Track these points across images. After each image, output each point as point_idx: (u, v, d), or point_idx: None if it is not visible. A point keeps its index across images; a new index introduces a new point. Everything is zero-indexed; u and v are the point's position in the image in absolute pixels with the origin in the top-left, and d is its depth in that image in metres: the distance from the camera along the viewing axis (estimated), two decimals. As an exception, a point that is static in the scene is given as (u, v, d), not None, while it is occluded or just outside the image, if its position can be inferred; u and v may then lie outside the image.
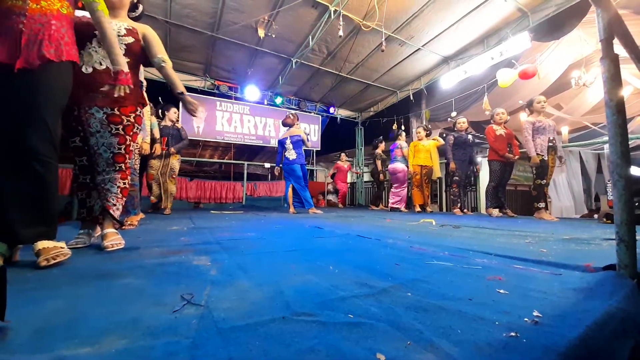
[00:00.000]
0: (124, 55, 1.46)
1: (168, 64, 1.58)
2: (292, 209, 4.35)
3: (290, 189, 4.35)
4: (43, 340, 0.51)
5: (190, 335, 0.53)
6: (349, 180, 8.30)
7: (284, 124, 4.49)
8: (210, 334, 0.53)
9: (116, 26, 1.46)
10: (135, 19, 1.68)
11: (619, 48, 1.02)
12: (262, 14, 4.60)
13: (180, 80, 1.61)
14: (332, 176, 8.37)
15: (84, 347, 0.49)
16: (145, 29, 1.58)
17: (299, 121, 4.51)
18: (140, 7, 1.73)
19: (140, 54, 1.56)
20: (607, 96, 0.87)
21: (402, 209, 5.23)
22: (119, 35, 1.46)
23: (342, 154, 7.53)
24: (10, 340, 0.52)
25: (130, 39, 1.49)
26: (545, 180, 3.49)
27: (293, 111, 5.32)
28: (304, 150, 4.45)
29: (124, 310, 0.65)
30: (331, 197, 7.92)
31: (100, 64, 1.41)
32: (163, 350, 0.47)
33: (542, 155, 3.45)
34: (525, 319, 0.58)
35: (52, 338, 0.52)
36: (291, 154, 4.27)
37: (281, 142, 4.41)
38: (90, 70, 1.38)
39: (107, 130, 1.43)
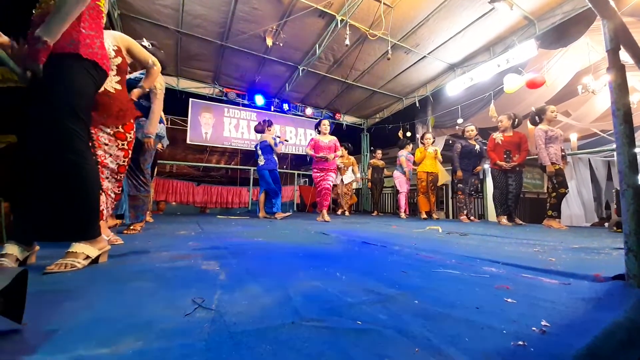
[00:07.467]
0: (115, 75, 1.53)
1: (157, 66, 1.72)
2: (262, 213, 4.43)
3: (262, 194, 4.44)
4: (61, 341, 0.53)
5: (203, 338, 0.54)
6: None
7: (256, 130, 4.62)
8: (222, 338, 0.54)
9: (106, 45, 1.48)
10: None
11: (625, 55, 1.03)
12: (270, 24, 4.70)
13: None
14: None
15: (102, 348, 0.50)
16: (123, 41, 1.59)
17: (271, 126, 4.49)
18: None
19: (126, 69, 1.62)
20: (614, 106, 0.88)
21: (401, 215, 5.26)
22: (109, 57, 1.46)
23: (324, 120, 4.31)
24: (29, 340, 0.54)
25: (119, 59, 1.56)
26: (568, 190, 3.45)
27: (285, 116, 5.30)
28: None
29: (138, 312, 0.67)
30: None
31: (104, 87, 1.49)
32: (179, 352, 0.49)
33: (558, 165, 3.41)
34: (533, 328, 0.58)
35: (70, 339, 0.54)
36: (260, 160, 4.38)
37: (255, 147, 4.55)
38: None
39: (115, 144, 1.59)
